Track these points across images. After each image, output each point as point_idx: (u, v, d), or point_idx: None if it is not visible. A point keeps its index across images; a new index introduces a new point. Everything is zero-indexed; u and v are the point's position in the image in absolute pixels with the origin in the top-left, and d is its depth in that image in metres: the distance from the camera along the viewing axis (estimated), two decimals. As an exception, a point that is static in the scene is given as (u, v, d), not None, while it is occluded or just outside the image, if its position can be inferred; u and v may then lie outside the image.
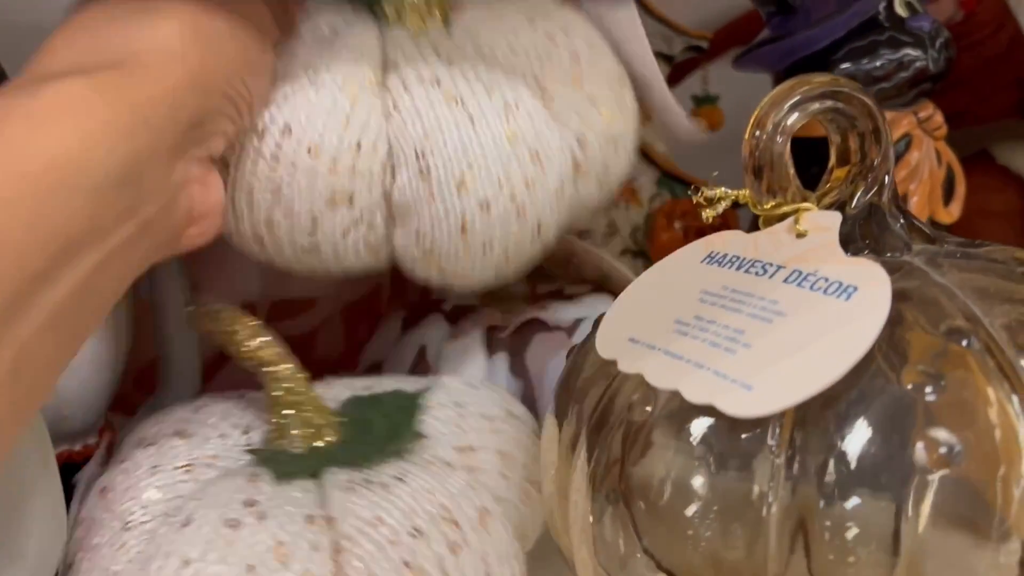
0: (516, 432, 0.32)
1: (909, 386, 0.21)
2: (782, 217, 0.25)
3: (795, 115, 0.24)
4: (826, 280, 0.22)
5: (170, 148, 0.25)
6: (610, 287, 0.42)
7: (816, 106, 0.24)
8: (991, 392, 0.21)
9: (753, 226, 0.26)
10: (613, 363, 0.25)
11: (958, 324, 0.22)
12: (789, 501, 0.21)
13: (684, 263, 0.26)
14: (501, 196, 0.30)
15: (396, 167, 0.30)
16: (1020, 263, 0.25)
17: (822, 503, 0.20)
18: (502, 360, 0.39)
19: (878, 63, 0.41)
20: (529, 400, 0.38)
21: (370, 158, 0.30)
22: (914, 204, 0.42)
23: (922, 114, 0.42)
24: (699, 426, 0.22)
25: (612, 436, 0.24)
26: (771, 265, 0.23)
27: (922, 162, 0.42)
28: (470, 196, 0.30)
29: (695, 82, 0.59)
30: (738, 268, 0.24)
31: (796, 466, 0.21)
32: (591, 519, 0.24)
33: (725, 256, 0.25)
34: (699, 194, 0.25)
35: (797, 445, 0.21)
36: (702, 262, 0.25)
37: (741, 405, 0.21)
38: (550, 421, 0.28)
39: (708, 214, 0.25)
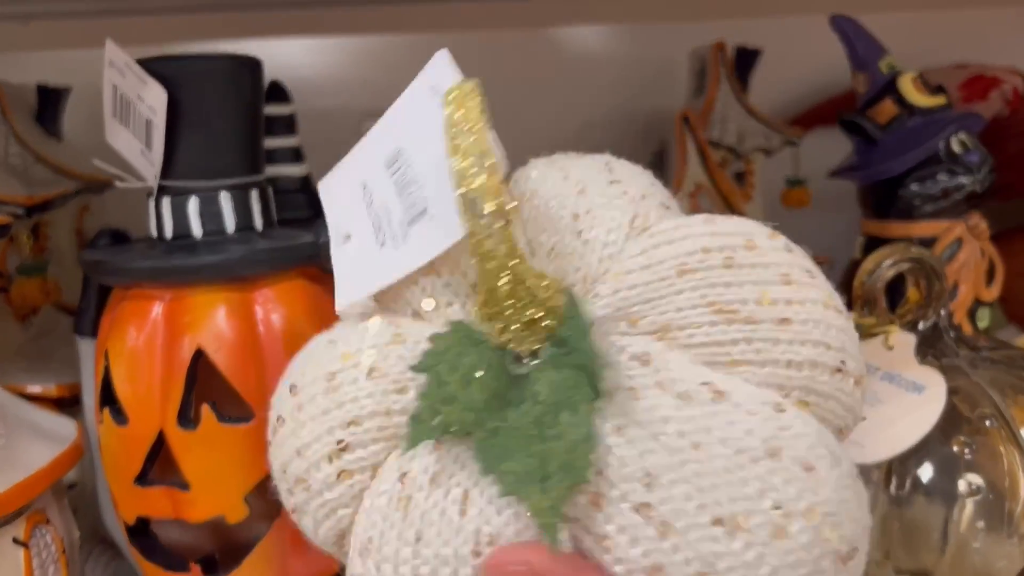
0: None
1: (955, 448, 0.36)
2: (876, 332, 0.40)
3: (891, 269, 0.39)
4: (905, 380, 0.37)
5: None
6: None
7: (904, 265, 0.39)
8: (1003, 451, 0.36)
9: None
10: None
11: (986, 411, 0.37)
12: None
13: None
14: None
15: None
16: (1031, 360, 0.40)
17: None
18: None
19: (938, 187, 0.55)
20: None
21: None
22: (962, 289, 0.56)
23: (971, 222, 0.56)
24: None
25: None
26: (873, 367, 0.39)
27: (969, 258, 0.56)
28: None
29: (788, 166, 0.74)
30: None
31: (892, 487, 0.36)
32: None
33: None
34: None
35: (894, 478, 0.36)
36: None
37: (858, 456, 0.36)
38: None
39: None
